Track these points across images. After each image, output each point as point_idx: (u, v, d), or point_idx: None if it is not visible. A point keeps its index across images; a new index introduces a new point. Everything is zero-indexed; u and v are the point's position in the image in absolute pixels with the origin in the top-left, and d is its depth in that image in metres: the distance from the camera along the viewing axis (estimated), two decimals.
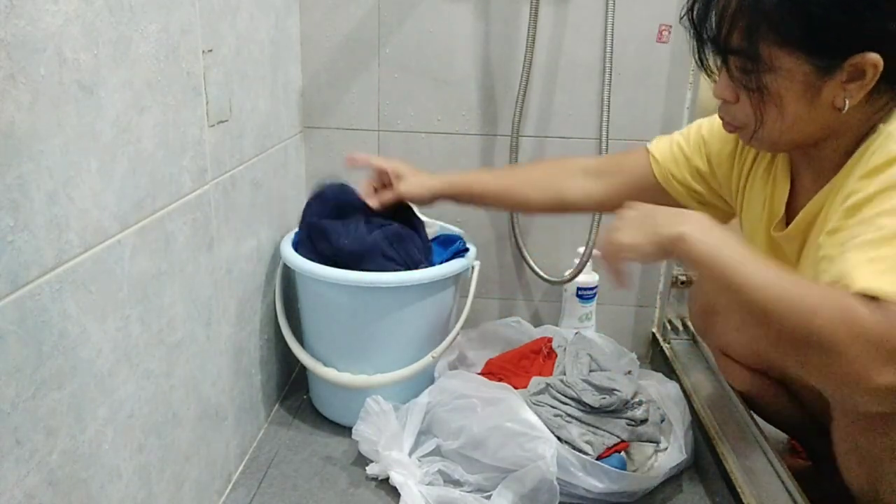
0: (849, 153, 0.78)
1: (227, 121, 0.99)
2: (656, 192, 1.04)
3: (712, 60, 0.81)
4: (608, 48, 1.30)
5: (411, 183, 1.15)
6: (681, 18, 0.81)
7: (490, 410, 1.08)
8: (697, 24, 0.79)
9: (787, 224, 0.87)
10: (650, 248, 0.77)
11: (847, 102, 0.73)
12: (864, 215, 0.68)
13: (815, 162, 0.84)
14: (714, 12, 0.77)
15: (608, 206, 1.08)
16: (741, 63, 0.76)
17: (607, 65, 1.31)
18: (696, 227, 0.73)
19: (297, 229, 1.29)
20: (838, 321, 0.63)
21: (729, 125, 0.84)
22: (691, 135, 1.01)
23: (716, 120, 0.94)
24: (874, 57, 0.70)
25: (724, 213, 1.04)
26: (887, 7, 0.70)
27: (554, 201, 1.11)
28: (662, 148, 1.04)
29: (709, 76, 0.83)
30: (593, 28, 1.34)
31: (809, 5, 0.70)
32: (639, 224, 0.78)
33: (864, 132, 0.77)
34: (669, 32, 1.34)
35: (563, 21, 1.35)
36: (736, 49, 0.76)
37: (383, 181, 1.18)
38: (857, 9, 0.70)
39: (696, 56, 0.81)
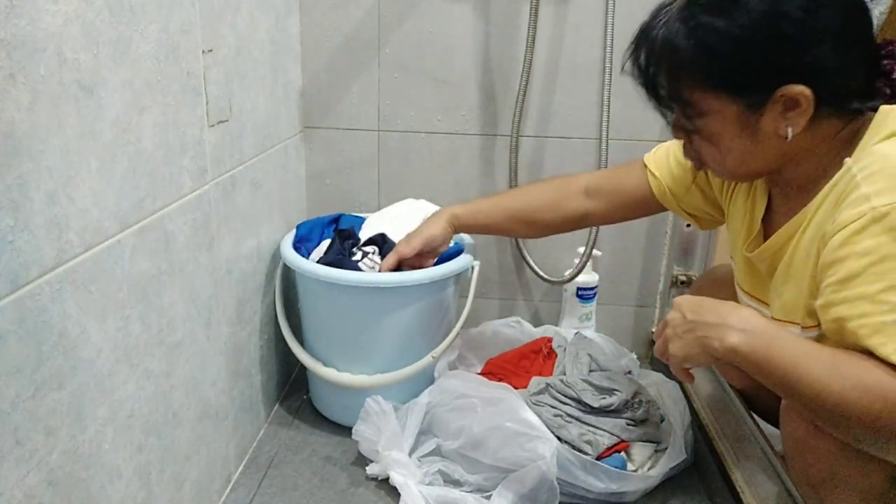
0: (812, 179, 0.79)
1: (227, 121, 0.99)
2: (653, 207, 1.07)
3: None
4: (608, 48, 1.30)
5: (441, 243, 1.17)
6: (622, 70, 0.83)
7: (490, 410, 1.08)
8: (635, 75, 0.81)
9: (764, 240, 0.88)
10: (703, 360, 0.76)
11: (790, 131, 0.74)
12: (864, 292, 0.67)
13: (783, 186, 0.85)
14: (642, 63, 0.79)
15: (611, 221, 1.14)
16: (676, 108, 0.79)
17: (607, 65, 1.31)
18: (744, 336, 0.71)
19: (296, 229, 1.30)
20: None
21: (693, 163, 0.87)
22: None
23: None
24: (800, 88, 0.71)
25: (712, 222, 1.05)
26: (800, 39, 0.71)
27: (564, 223, 1.14)
28: (660, 161, 1.05)
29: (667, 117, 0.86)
30: (593, 28, 1.34)
31: (722, 47, 0.72)
32: (688, 334, 0.76)
33: (826, 156, 0.77)
34: None
35: (563, 21, 1.35)
36: (665, 97, 0.79)
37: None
38: (770, 45, 0.71)
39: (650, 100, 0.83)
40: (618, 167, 1.12)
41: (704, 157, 0.82)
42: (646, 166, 1.06)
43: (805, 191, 0.80)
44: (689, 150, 0.85)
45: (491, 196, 1.21)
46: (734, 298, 1.07)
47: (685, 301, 0.78)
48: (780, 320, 0.83)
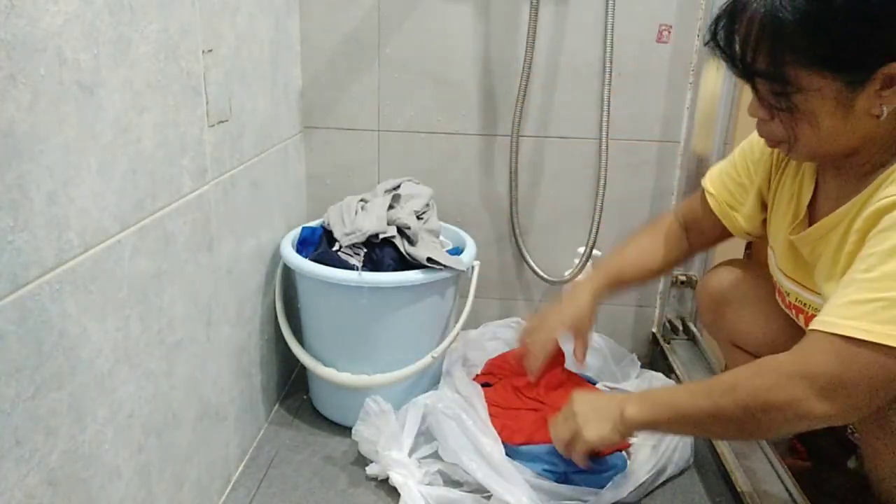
0: (876, 165, 0.77)
1: (227, 121, 0.99)
2: (719, 227, 1.05)
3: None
4: (608, 48, 1.30)
5: (588, 324, 1.11)
6: (706, 43, 0.80)
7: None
8: (723, 48, 0.78)
9: (809, 225, 0.87)
10: (611, 437, 0.89)
11: (885, 110, 0.72)
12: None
13: (843, 171, 0.83)
14: (737, 37, 0.76)
15: (702, 249, 1.20)
16: (769, 86, 0.76)
17: (607, 65, 1.31)
18: (630, 402, 0.88)
19: (297, 229, 1.30)
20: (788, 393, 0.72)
21: (769, 141, 0.83)
22: (736, 157, 1.02)
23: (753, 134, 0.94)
24: None
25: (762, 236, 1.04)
26: None
27: (676, 264, 1.16)
28: (714, 180, 1.04)
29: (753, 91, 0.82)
30: (593, 28, 1.34)
31: (830, 24, 0.69)
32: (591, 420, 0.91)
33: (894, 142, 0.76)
34: (669, 32, 1.34)
35: (563, 21, 1.35)
36: (762, 73, 0.75)
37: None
38: (879, 21, 0.69)
39: (734, 74, 0.80)
40: (688, 199, 1.12)
41: (786, 134, 0.79)
42: (703, 188, 1.05)
43: (865, 178, 0.78)
44: (765, 127, 0.82)
45: (609, 260, 1.16)
46: (750, 295, 1.07)
47: (574, 402, 0.95)
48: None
